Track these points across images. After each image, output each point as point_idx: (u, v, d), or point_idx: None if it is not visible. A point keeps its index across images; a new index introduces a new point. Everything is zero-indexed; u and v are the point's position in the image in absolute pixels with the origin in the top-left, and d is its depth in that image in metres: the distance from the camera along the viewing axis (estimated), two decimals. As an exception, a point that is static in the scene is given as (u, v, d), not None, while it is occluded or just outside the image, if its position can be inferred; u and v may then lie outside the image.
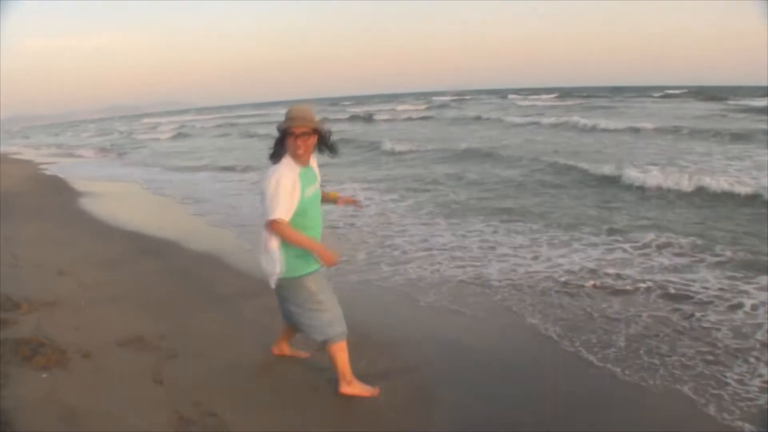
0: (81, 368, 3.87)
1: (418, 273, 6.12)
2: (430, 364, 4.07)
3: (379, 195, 10.98)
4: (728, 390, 3.62)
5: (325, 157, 3.49)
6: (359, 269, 6.28)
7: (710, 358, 4.04)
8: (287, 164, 3.32)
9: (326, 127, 3.38)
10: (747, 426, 3.24)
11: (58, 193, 12.88)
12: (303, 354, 4.11)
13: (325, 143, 3.41)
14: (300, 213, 3.32)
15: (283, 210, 3.25)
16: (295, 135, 3.24)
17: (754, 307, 4.87)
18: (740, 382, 3.71)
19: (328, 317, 3.50)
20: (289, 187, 3.25)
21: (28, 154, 28.59)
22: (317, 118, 3.34)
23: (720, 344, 4.24)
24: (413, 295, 5.48)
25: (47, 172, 18.21)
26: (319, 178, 3.57)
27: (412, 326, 4.80)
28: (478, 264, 6.32)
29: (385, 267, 6.35)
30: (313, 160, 3.51)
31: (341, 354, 3.58)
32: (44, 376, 3.70)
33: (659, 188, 10.43)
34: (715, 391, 3.60)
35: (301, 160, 3.33)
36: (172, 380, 3.77)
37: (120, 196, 12.92)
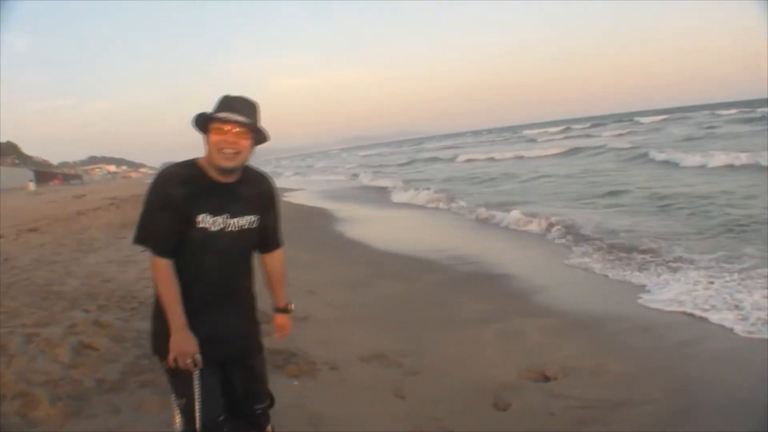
0: (328, 379, 3.99)
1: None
2: (670, 396, 3.58)
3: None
4: None
5: None
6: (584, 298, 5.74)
7: None
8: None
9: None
10: None
11: (313, 219, 13.68)
12: None
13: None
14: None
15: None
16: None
17: None
18: None
19: None
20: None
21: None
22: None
23: None
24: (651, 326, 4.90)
25: (303, 201, 19.23)
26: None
27: (652, 356, 4.28)
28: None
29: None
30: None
31: None
32: (295, 383, 3.87)
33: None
34: None
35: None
36: (412, 396, 3.71)
37: (383, 221, 13.44)
